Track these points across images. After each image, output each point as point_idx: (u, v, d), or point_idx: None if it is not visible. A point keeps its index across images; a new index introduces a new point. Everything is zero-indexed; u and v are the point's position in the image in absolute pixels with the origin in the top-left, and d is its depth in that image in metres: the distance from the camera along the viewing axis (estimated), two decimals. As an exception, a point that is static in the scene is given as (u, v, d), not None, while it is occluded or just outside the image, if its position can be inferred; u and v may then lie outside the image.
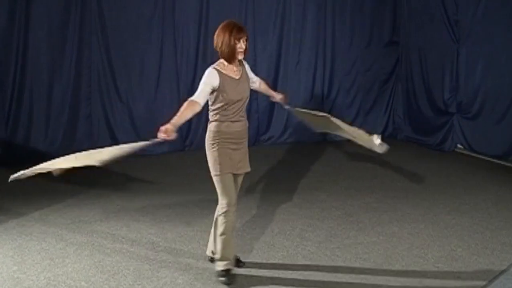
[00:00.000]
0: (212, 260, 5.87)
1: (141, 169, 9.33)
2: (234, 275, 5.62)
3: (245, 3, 10.81)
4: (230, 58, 5.46)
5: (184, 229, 6.81)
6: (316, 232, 6.80)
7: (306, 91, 11.44)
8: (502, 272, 5.87)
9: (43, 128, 9.83)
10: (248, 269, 5.80)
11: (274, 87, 11.09)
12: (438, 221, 7.22)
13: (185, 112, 5.36)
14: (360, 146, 6.21)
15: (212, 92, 5.44)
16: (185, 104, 5.37)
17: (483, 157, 10.25)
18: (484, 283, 5.62)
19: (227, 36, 5.42)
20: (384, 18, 11.78)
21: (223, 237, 5.50)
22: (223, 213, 5.45)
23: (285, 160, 10.12)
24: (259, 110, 11.13)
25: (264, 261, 5.99)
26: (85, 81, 9.97)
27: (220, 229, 5.51)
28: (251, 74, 5.76)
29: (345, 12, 11.51)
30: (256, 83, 5.92)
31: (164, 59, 10.35)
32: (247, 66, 5.71)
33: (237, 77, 5.49)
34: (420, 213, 7.49)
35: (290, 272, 5.77)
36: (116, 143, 10.07)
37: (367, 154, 10.48)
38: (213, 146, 5.48)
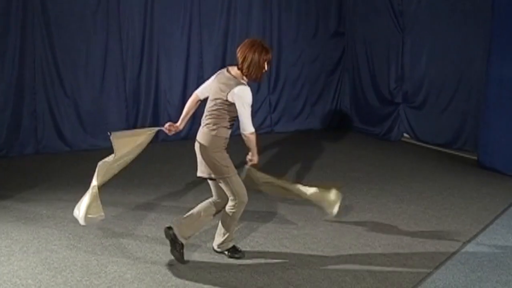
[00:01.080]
0: (221, 252, 5.99)
1: (87, 164, 9.22)
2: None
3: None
4: (256, 78, 5.63)
5: (132, 224, 6.76)
6: (264, 223, 6.82)
7: (252, 84, 11.41)
8: (448, 258, 5.97)
9: (-14, 124, 9.65)
10: (196, 263, 5.79)
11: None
12: (385, 209, 7.31)
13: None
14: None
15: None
16: (253, 138, 5.68)
17: (429, 146, 10.42)
18: (430, 270, 5.72)
19: (256, 56, 5.48)
20: (329, 9, 11.85)
21: (234, 223, 5.86)
22: (239, 206, 5.74)
23: (232, 152, 10.09)
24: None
25: (211, 252, 5.98)
26: (29, 75, 9.76)
27: (233, 219, 5.81)
28: None
29: (291, 3, 11.54)
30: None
31: (109, 52, 10.21)
32: None
33: None
34: (367, 202, 7.58)
35: (238, 262, 5.78)
36: (62, 137, 9.98)
37: (313, 144, 10.60)
38: (220, 150, 5.65)
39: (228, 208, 5.75)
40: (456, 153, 9.96)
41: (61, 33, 9.84)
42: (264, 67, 5.56)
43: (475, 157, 9.42)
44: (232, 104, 5.51)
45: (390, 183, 8.41)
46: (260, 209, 7.25)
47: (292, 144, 10.68)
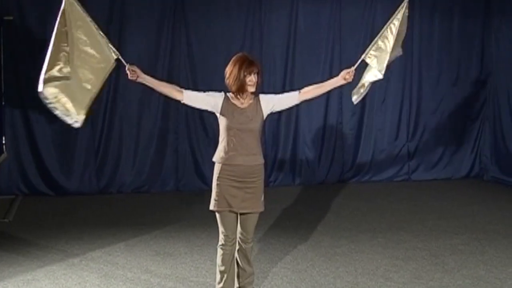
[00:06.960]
0: None
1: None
2: None
3: (331, 41, 10.88)
4: (239, 90, 5.32)
5: (267, 266, 6.80)
6: (400, 272, 6.70)
7: (391, 129, 11.37)
8: None
9: (131, 159, 10.09)
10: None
11: (359, 124, 11.13)
12: (527, 265, 7.04)
13: (165, 85, 5.55)
14: None
15: (215, 115, 5.42)
16: (175, 86, 5.47)
17: None
18: None
19: (236, 69, 5.31)
20: (471, 56, 11.63)
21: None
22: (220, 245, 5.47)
23: (369, 199, 10.03)
24: (344, 149, 11.12)
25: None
26: (173, 115, 10.20)
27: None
28: (274, 100, 5.48)
29: (431, 51, 11.43)
30: (296, 96, 5.51)
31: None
32: (265, 98, 5.46)
33: (241, 106, 5.36)
34: (509, 256, 7.29)
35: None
36: (201, 176, 10.28)
37: (451, 194, 10.37)
38: (216, 180, 5.38)
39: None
40: None
41: (204, 75, 10.19)
42: (246, 79, 5.28)
43: None
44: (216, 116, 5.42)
45: (533, 237, 8.10)
46: (396, 258, 7.14)
47: (429, 193, 10.48)
